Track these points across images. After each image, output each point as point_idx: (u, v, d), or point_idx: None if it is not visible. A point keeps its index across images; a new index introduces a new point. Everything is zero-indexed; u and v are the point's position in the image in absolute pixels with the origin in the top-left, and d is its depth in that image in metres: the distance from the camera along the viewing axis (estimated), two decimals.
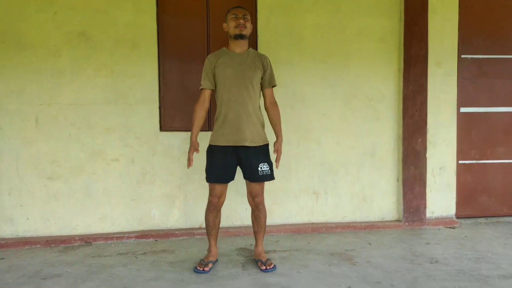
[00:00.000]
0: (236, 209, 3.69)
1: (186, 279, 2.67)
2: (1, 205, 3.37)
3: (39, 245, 3.33)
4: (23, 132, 3.36)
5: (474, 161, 4.10)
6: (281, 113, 3.65)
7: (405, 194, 3.87)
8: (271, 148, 2.83)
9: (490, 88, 4.08)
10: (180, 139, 3.58)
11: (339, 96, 3.81)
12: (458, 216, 4.08)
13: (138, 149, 3.53)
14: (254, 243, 3.37)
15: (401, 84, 3.84)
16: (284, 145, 3.73)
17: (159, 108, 3.56)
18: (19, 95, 3.33)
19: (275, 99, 2.87)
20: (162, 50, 3.54)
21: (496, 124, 4.10)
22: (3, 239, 3.35)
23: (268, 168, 2.75)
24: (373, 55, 3.84)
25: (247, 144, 2.69)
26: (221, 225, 3.62)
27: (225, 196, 2.83)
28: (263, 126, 2.80)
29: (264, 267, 2.76)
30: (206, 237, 3.51)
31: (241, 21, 2.70)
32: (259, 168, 2.72)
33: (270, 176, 2.78)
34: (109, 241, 3.44)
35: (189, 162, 2.70)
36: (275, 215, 3.76)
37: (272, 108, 2.84)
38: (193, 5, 3.57)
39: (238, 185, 3.61)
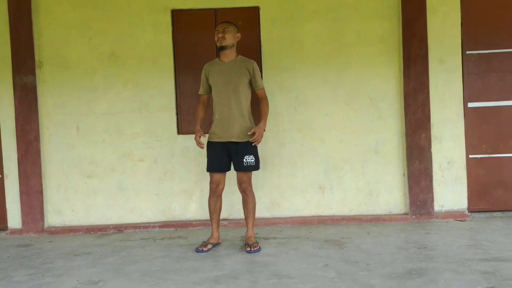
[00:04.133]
0: None
1: (188, 256, 3.11)
2: (52, 199, 4.07)
3: (80, 232, 3.97)
4: (67, 138, 4.06)
5: (486, 155, 4.11)
6: (285, 115, 4.09)
7: (410, 188, 4.00)
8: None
9: (500, 82, 4.09)
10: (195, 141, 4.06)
11: (340, 97, 4.08)
12: (472, 210, 4.09)
13: (159, 150, 4.07)
14: (260, 231, 3.75)
15: (402, 82, 4.01)
16: (289, 143, 4.09)
17: (176, 114, 4.08)
18: (63, 107, 4.04)
19: (264, 96, 3.28)
20: (177, 64, 4.08)
21: (509, 117, 4.09)
22: (53, 227, 4.05)
23: (253, 160, 3.18)
24: (373, 56, 4.06)
25: (234, 140, 3.16)
26: (233, 217, 4.08)
27: (223, 184, 3.28)
28: (251, 124, 3.22)
29: (248, 248, 3.13)
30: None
31: (220, 35, 3.15)
32: (244, 160, 3.15)
33: (254, 167, 3.20)
34: (137, 230, 3.99)
35: (198, 144, 3.24)
36: (283, 208, 4.08)
37: (260, 103, 3.28)
38: (203, 23, 4.06)
39: None
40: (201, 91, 3.36)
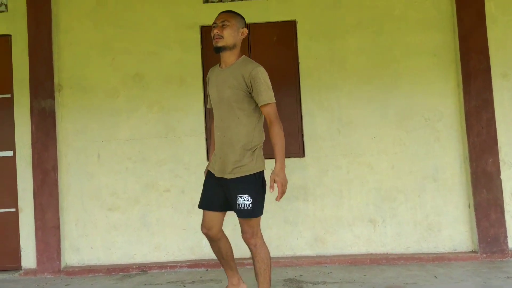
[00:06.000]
0: (286, 238, 3.57)
1: None
2: (70, 235, 3.66)
3: (101, 273, 3.53)
4: (87, 167, 3.68)
5: None
6: (327, 138, 3.62)
7: (478, 221, 3.43)
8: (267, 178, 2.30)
9: None
10: None
11: (390, 117, 3.61)
12: None
13: (187, 179, 3.65)
14: (304, 273, 3.22)
15: (462, 100, 3.52)
16: (333, 170, 3.60)
17: (206, 139, 3.67)
18: (83, 133, 3.69)
19: (273, 117, 2.26)
20: (207, 83, 3.70)
21: None
22: (71, 267, 3.62)
23: (248, 202, 2.23)
24: (426, 71, 3.61)
25: (226, 177, 2.30)
26: (271, 255, 3.55)
27: (217, 229, 2.41)
28: (252, 153, 2.29)
29: None
30: None
31: (216, 31, 2.29)
32: (237, 201, 2.26)
33: (249, 212, 2.24)
34: (163, 270, 3.52)
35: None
36: (328, 245, 3.56)
37: (269, 129, 2.28)
38: None
39: (286, 212, 3.57)
40: (208, 104, 2.57)
